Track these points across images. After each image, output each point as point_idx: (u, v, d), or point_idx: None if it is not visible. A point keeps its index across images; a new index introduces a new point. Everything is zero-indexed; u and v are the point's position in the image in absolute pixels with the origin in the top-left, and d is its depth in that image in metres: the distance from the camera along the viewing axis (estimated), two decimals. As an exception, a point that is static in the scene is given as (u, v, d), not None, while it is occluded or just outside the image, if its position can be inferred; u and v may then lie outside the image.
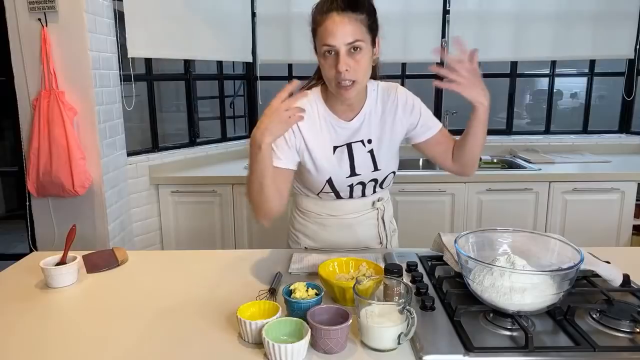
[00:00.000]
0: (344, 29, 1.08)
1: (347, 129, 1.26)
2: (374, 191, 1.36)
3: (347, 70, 1.10)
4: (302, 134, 1.23)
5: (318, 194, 1.33)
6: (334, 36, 1.08)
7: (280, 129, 1.02)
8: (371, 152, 1.28)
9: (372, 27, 1.14)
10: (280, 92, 1.00)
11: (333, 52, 1.10)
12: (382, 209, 1.40)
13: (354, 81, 1.13)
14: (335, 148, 1.26)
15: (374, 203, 1.38)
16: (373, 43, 1.15)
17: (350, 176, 1.28)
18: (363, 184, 1.31)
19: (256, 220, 1.19)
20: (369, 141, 1.28)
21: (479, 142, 1.26)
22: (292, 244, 1.47)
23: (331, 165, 1.26)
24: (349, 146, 1.27)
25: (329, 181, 1.27)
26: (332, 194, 1.31)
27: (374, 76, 1.30)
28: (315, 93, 1.27)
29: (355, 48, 1.10)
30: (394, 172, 1.35)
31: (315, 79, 1.30)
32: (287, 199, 1.20)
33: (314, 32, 1.15)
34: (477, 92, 1.17)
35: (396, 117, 1.29)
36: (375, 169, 1.29)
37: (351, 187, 1.30)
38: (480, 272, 0.92)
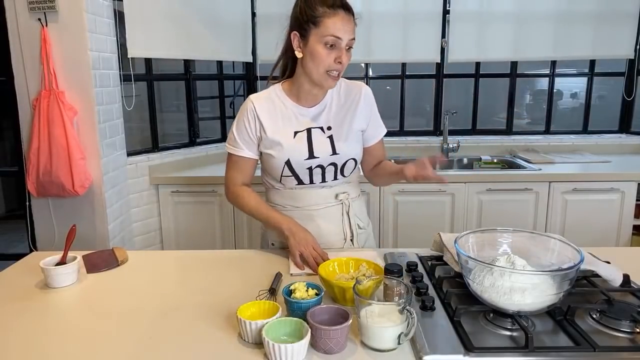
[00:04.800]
0: (350, 27, 1.23)
1: (306, 115, 1.37)
2: (335, 177, 1.39)
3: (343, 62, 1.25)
4: (261, 121, 1.35)
5: (280, 180, 1.39)
6: (343, 31, 1.22)
7: (291, 248, 1.28)
8: (330, 137, 1.37)
9: None
10: (315, 255, 1.25)
11: (335, 44, 1.23)
12: (347, 203, 1.42)
13: (339, 73, 1.27)
14: (295, 133, 1.35)
15: (337, 195, 1.41)
16: None
17: (308, 158, 1.35)
18: (322, 168, 1.36)
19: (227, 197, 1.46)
20: (329, 128, 1.37)
21: (387, 183, 1.53)
22: (262, 241, 1.53)
23: (290, 147, 1.34)
24: (308, 131, 1.36)
25: (288, 163, 1.34)
26: (293, 177, 1.37)
27: None
28: (275, 87, 1.40)
29: (350, 45, 1.26)
30: (354, 160, 1.40)
31: (280, 73, 1.42)
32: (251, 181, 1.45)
33: (314, 20, 1.23)
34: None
35: (358, 107, 1.39)
36: (334, 152, 1.36)
37: (310, 170, 1.36)
38: (480, 272, 0.92)
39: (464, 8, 3.08)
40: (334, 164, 1.37)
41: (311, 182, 1.38)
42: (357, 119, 1.39)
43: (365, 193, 2.58)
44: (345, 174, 1.40)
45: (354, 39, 1.25)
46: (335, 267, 1.15)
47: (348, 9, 1.24)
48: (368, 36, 3.07)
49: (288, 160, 1.33)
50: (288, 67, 1.38)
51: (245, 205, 1.41)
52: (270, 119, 1.35)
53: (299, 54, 1.28)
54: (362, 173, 1.54)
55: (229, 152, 1.41)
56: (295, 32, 1.27)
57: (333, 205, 1.41)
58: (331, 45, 1.22)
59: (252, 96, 1.38)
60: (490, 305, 0.92)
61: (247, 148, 1.38)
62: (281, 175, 1.37)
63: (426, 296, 1.00)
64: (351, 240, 1.44)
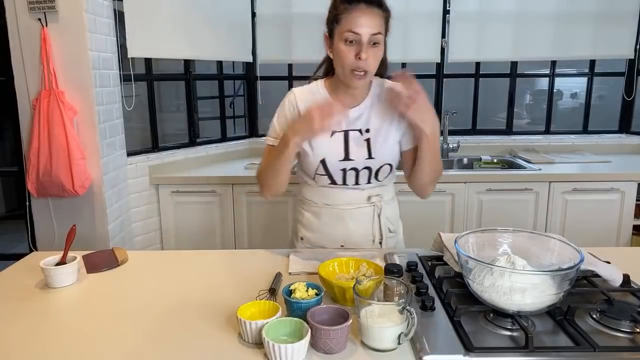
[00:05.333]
0: (371, 21, 1.17)
1: (345, 116, 1.33)
2: (369, 181, 1.37)
3: (365, 59, 1.18)
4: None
5: (314, 178, 1.37)
6: (361, 25, 1.17)
7: (310, 133, 1.19)
8: (368, 140, 1.33)
9: (387, 27, 1.24)
10: (324, 106, 1.16)
11: (355, 41, 1.19)
12: (380, 206, 1.40)
13: (366, 71, 1.21)
14: (333, 133, 1.32)
15: (369, 197, 1.39)
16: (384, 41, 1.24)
17: (343, 160, 1.33)
18: (356, 171, 1.34)
19: (261, 195, 1.39)
20: (367, 130, 1.33)
21: (425, 170, 1.32)
22: (293, 235, 1.51)
23: (326, 147, 1.32)
24: (345, 133, 1.33)
25: (323, 162, 1.33)
26: (326, 176, 1.35)
27: (382, 74, 1.37)
28: (318, 83, 1.37)
29: (375, 41, 1.19)
30: (390, 165, 1.37)
31: (323, 73, 1.39)
32: (289, 178, 1.32)
33: (336, 18, 1.21)
34: (423, 118, 1.23)
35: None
36: (369, 157, 1.33)
37: (344, 171, 1.34)
38: (480, 272, 0.92)
39: (464, 8, 3.08)
40: (369, 168, 1.34)
41: (344, 183, 1.36)
42: (396, 122, 1.34)
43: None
44: (379, 179, 1.38)
45: (379, 33, 1.18)
46: (335, 267, 1.15)
47: (370, 2, 1.18)
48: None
49: (323, 160, 1.32)
50: (330, 71, 1.36)
51: (266, 167, 1.32)
52: None
53: (330, 55, 1.28)
54: (395, 180, 1.47)
55: (267, 144, 1.37)
56: (325, 33, 1.27)
57: (365, 207, 1.39)
58: (351, 42, 1.19)
59: (295, 89, 1.37)
60: (490, 305, 0.92)
61: None
62: (315, 173, 1.36)
63: (426, 296, 1.00)
64: (380, 242, 1.42)
